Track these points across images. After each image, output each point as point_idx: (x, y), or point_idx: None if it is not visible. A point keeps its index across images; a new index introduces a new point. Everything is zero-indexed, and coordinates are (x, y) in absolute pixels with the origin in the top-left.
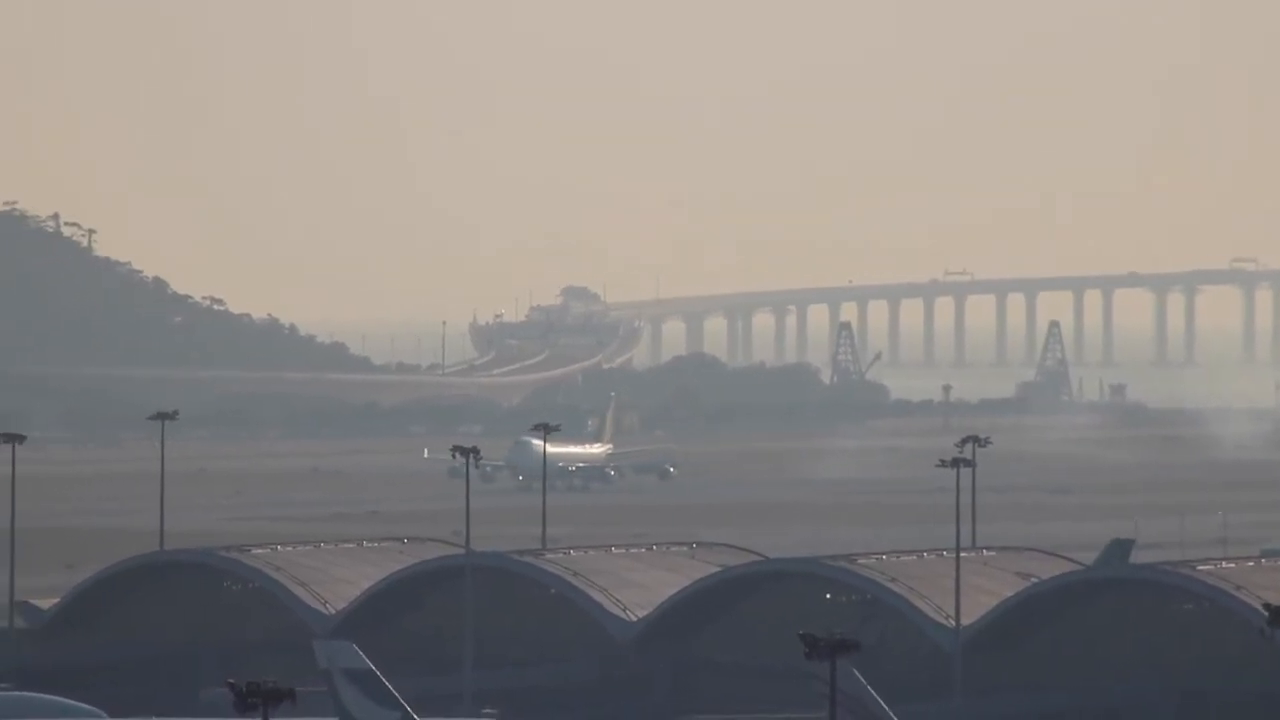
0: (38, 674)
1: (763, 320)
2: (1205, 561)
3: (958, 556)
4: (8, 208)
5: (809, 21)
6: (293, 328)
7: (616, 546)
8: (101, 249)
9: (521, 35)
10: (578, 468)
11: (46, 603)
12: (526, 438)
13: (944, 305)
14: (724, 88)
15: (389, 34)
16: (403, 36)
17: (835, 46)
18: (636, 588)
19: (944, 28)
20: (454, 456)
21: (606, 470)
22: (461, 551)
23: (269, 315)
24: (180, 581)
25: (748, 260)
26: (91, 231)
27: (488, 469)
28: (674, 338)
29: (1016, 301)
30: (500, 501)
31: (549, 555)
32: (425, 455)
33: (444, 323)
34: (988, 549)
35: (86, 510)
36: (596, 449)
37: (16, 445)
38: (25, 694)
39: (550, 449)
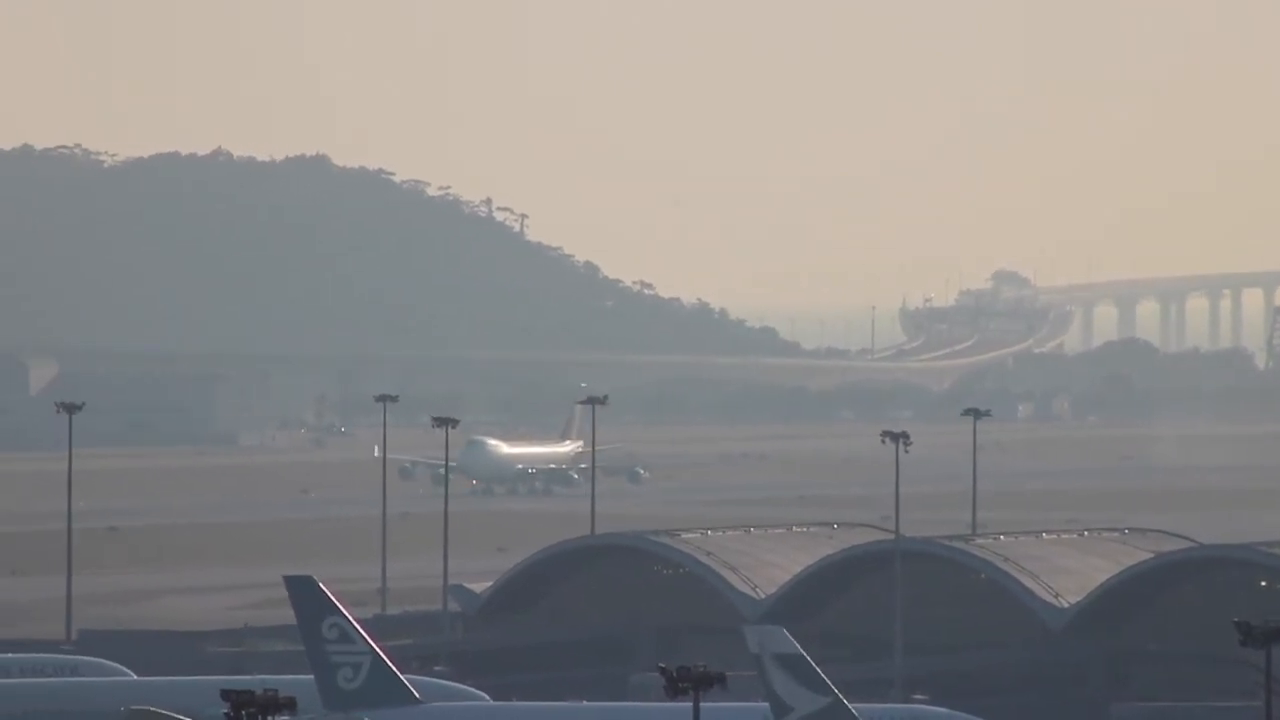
0: (470, 657)
1: (1196, 304)
2: None
3: None
4: (442, 193)
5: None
6: (723, 312)
7: (1047, 532)
8: (534, 234)
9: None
10: (536, 470)
11: (479, 586)
12: (479, 438)
13: None
14: (1152, 73)
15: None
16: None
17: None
18: (1068, 574)
19: None
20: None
21: (570, 473)
22: (891, 537)
23: (699, 300)
24: (611, 566)
25: (1180, 243)
26: (524, 216)
27: (440, 471)
28: (1105, 322)
29: None
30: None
31: (979, 541)
32: (375, 454)
33: (874, 307)
34: None
35: (517, 494)
36: (565, 448)
37: (450, 429)
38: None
39: (511, 450)
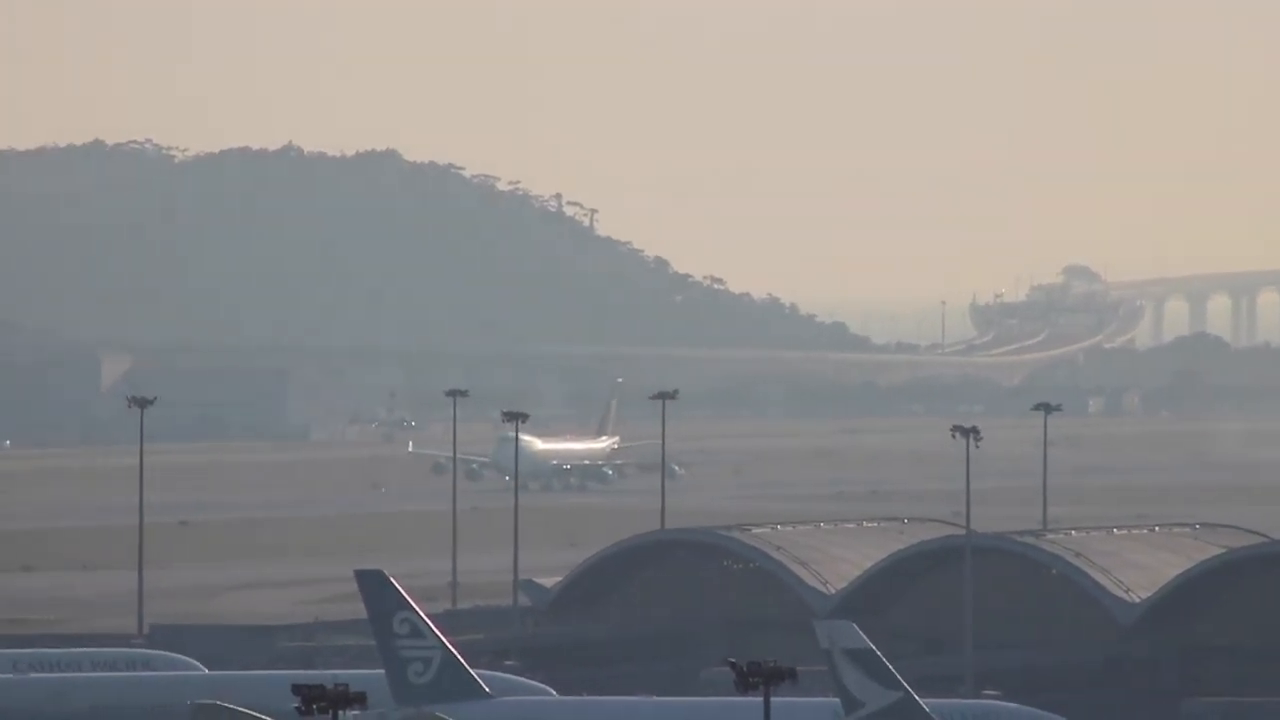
0: (541, 652)
1: (1267, 299)
2: None
3: None
4: (512, 188)
5: None
6: (793, 307)
7: (1118, 528)
8: (603, 229)
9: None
10: (571, 467)
11: (550, 581)
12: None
13: None
14: (1223, 66)
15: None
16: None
17: None
18: (1139, 569)
19: None
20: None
21: (605, 469)
22: (962, 532)
23: (769, 294)
24: (681, 560)
25: (1251, 238)
26: (593, 211)
27: (474, 467)
28: (1176, 317)
29: None
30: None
31: (1050, 536)
32: (410, 449)
33: (943, 302)
34: None
35: (587, 488)
36: (601, 444)
37: (521, 423)
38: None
39: (546, 446)
